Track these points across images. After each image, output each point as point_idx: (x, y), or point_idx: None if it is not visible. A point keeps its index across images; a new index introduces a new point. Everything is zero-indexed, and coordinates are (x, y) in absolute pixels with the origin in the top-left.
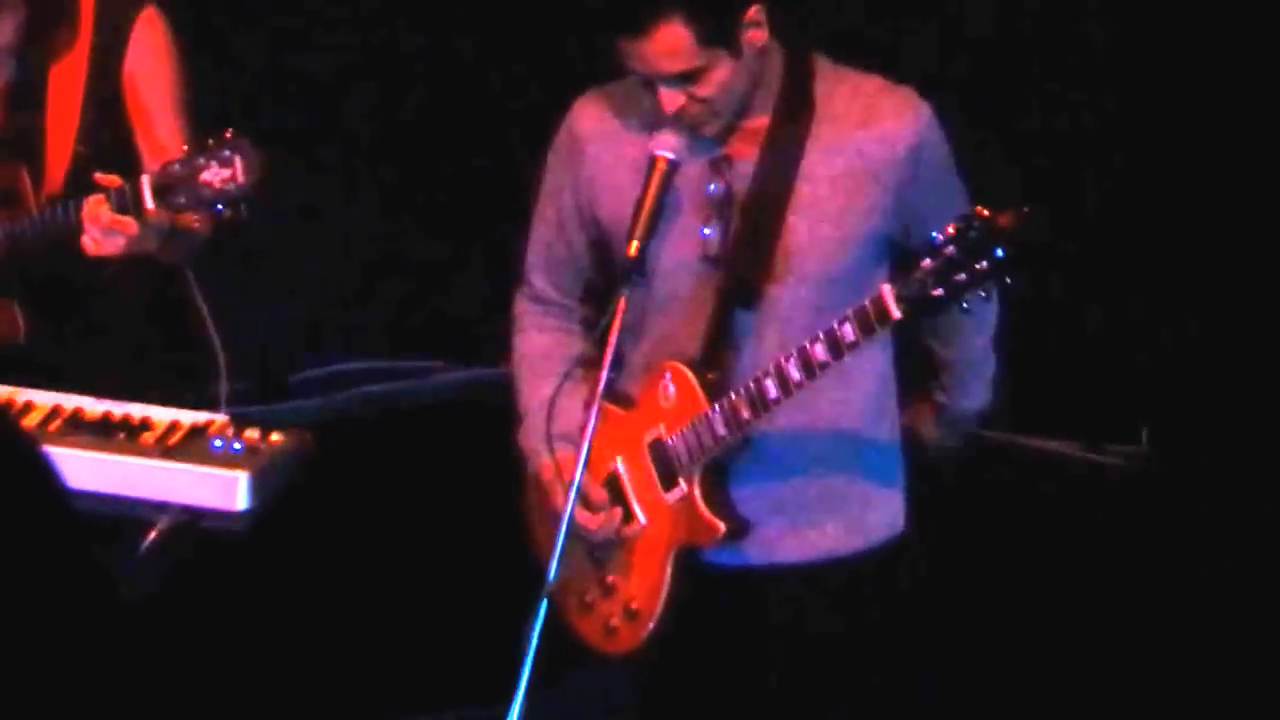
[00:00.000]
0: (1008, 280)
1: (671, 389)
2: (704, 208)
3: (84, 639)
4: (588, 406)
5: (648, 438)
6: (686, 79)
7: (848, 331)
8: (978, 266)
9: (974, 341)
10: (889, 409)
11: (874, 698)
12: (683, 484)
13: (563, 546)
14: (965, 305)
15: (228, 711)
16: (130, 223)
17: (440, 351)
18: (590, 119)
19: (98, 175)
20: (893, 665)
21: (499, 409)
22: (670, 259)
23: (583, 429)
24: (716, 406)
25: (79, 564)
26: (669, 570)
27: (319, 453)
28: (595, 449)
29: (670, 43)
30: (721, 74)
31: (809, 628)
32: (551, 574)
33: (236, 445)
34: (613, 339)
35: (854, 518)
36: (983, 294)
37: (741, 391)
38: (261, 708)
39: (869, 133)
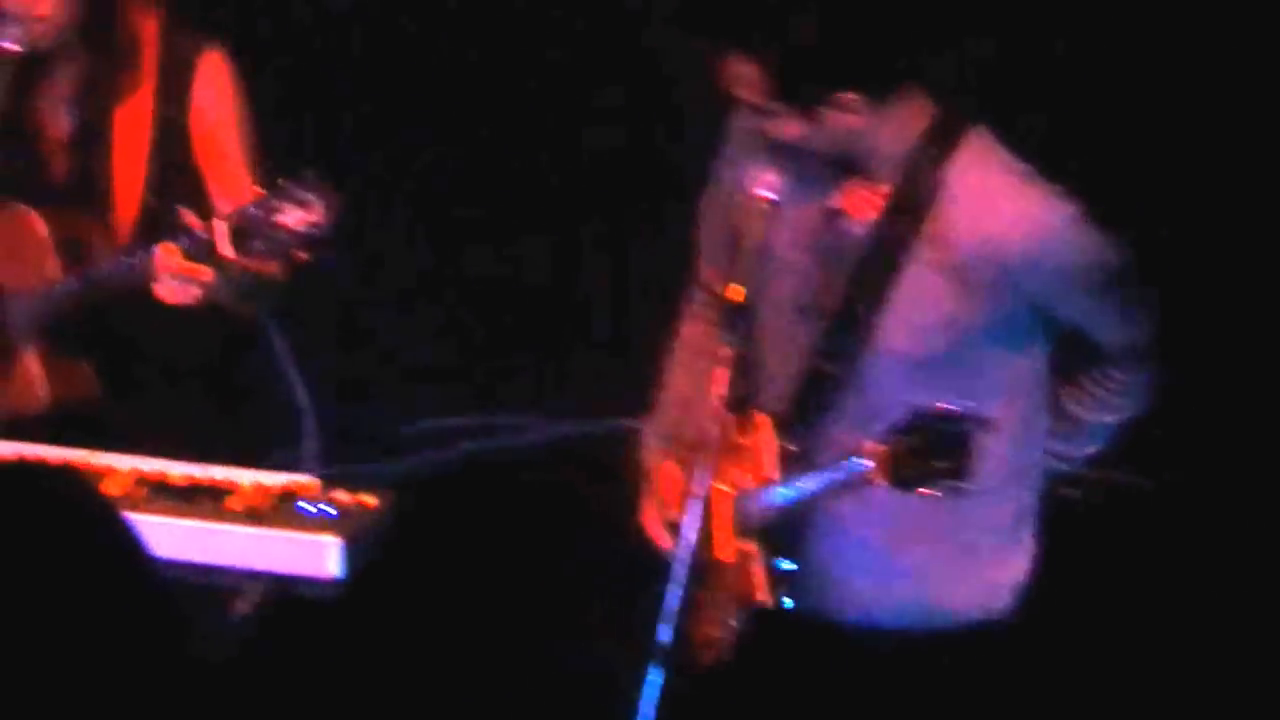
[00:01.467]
0: (961, 485)
1: (759, 443)
2: (810, 255)
3: (172, 714)
4: (713, 416)
5: (738, 479)
6: (756, 110)
7: (872, 474)
8: (935, 465)
9: (1103, 416)
10: (1004, 491)
11: None
12: (747, 540)
13: (678, 604)
14: (922, 492)
15: None
16: (205, 270)
17: (538, 407)
18: (745, 125)
19: (182, 211)
20: None
21: (600, 463)
22: (772, 294)
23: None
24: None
25: (167, 636)
26: (736, 613)
27: (413, 515)
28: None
29: (741, 71)
30: (790, 129)
31: (859, 692)
32: (666, 635)
33: (327, 508)
34: (719, 386)
35: (932, 594)
36: (935, 489)
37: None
38: None
39: (981, 231)
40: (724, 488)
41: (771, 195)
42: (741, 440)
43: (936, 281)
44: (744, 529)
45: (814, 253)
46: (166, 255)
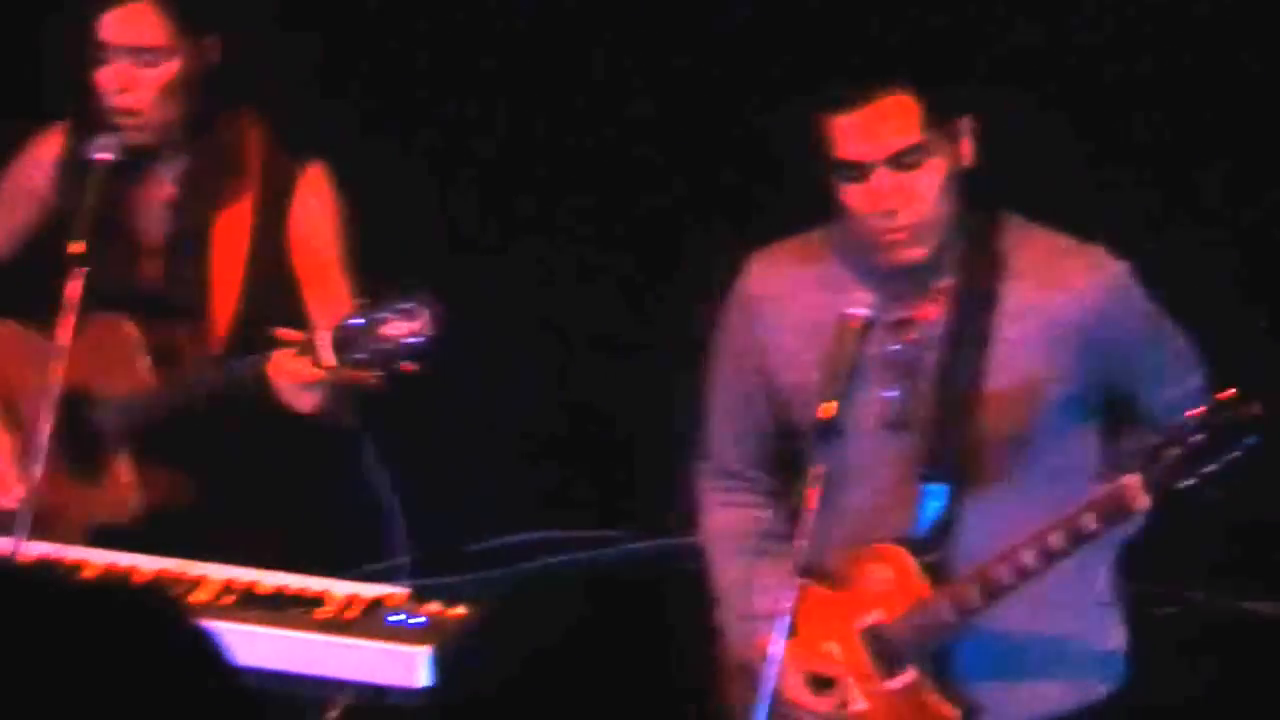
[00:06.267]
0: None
1: (887, 572)
2: (885, 370)
3: None
4: (786, 583)
5: (861, 623)
6: (905, 159)
7: (1088, 522)
8: (1229, 456)
9: None
10: (1095, 559)
11: None
12: (909, 671)
13: None
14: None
15: None
16: (321, 374)
17: (628, 521)
18: (763, 280)
19: (280, 331)
20: None
21: (687, 580)
22: (850, 423)
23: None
24: (942, 593)
25: None
26: None
27: (503, 626)
28: (806, 632)
29: (896, 112)
30: (934, 173)
31: None
32: None
33: (417, 619)
34: (811, 507)
35: (1073, 676)
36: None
37: (973, 578)
38: None
39: (1056, 294)
40: (835, 644)
41: (865, 313)
42: (865, 578)
43: (1019, 358)
44: (910, 655)
45: (891, 367)
46: (283, 360)
